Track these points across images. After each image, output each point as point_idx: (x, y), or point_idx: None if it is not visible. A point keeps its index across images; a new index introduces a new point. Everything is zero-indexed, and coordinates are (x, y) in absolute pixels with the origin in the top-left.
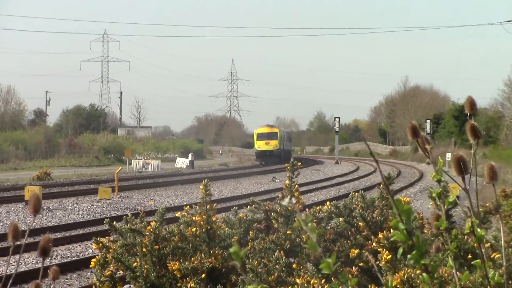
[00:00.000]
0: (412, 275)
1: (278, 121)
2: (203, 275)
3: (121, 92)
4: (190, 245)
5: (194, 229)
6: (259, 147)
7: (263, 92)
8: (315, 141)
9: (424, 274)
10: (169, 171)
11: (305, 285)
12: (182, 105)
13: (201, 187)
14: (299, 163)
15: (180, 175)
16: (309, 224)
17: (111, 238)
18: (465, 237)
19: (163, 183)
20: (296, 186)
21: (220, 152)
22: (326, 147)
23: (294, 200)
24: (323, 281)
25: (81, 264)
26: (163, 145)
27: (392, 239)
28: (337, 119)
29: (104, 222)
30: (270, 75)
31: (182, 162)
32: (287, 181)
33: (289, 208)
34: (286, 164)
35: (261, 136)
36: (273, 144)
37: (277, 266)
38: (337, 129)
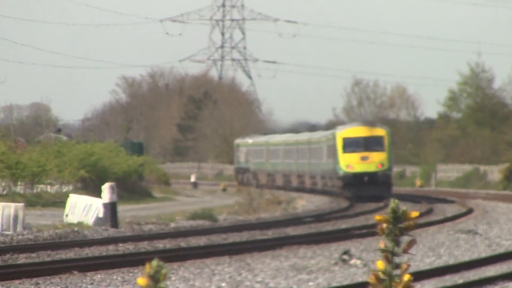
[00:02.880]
0: None
1: (356, 90)
2: None
3: None
4: None
5: None
6: (349, 166)
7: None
8: (464, 149)
9: None
10: (49, 235)
11: None
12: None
13: (140, 281)
14: (415, 213)
15: (78, 245)
16: None
17: None
18: None
19: (30, 270)
20: (408, 278)
21: (193, 179)
22: (495, 166)
23: None
24: None
25: None
26: (28, 161)
27: None
28: None
29: None
30: None
31: (84, 209)
32: (379, 264)
33: None
34: (377, 217)
35: (351, 145)
36: (377, 161)
37: None
38: None
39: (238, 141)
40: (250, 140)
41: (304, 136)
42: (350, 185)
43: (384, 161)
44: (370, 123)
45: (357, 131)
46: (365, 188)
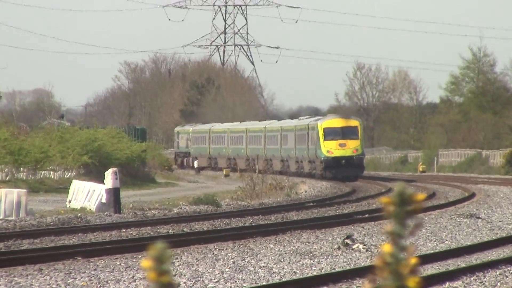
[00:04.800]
0: None
1: (358, 75)
2: None
3: None
4: None
5: None
6: (329, 151)
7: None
8: (466, 133)
9: None
10: (52, 220)
11: None
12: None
13: (144, 264)
14: (421, 196)
15: (81, 231)
16: None
17: None
18: None
19: (33, 256)
20: (413, 260)
21: (196, 164)
22: (497, 150)
23: None
24: None
25: None
26: (30, 146)
27: None
28: None
29: None
30: None
31: (87, 195)
32: (386, 247)
33: None
34: (383, 199)
35: (331, 133)
36: (352, 147)
37: None
38: None
39: (177, 128)
40: (191, 128)
41: (279, 124)
42: (330, 167)
43: (358, 147)
44: (346, 117)
45: (335, 122)
46: (343, 170)
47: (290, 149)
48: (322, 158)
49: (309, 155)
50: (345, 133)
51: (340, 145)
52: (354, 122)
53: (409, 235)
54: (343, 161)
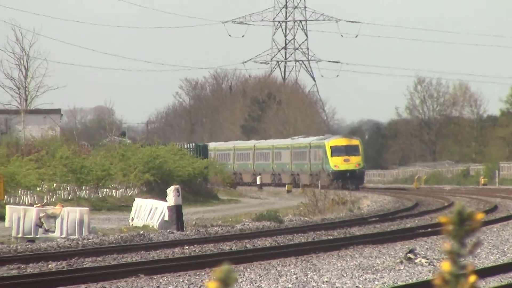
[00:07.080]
0: None
1: (419, 89)
2: None
3: None
4: None
5: None
6: (336, 165)
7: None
8: None
9: None
10: (114, 239)
11: None
12: (150, 51)
13: (210, 285)
14: (480, 215)
15: (144, 249)
16: None
17: None
18: None
19: (96, 274)
20: (472, 279)
21: (258, 180)
22: None
23: None
24: None
25: None
26: (92, 164)
27: None
28: None
29: None
30: None
31: (149, 213)
32: (445, 266)
33: None
34: (442, 219)
35: (336, 151)
36: (355, 162)
37: None
38: None
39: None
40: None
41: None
42: (337, 179)
43: (360, 162)
44: (348, 136)
45: (340, 141)
46: (347, 181)
47: (285, 164)
48: (330, 171)
49: (312, 169)
50: (348, 150)
51: (345, 160)
52: (355, 141)
53: (468, 254)
54: (348, 173)
